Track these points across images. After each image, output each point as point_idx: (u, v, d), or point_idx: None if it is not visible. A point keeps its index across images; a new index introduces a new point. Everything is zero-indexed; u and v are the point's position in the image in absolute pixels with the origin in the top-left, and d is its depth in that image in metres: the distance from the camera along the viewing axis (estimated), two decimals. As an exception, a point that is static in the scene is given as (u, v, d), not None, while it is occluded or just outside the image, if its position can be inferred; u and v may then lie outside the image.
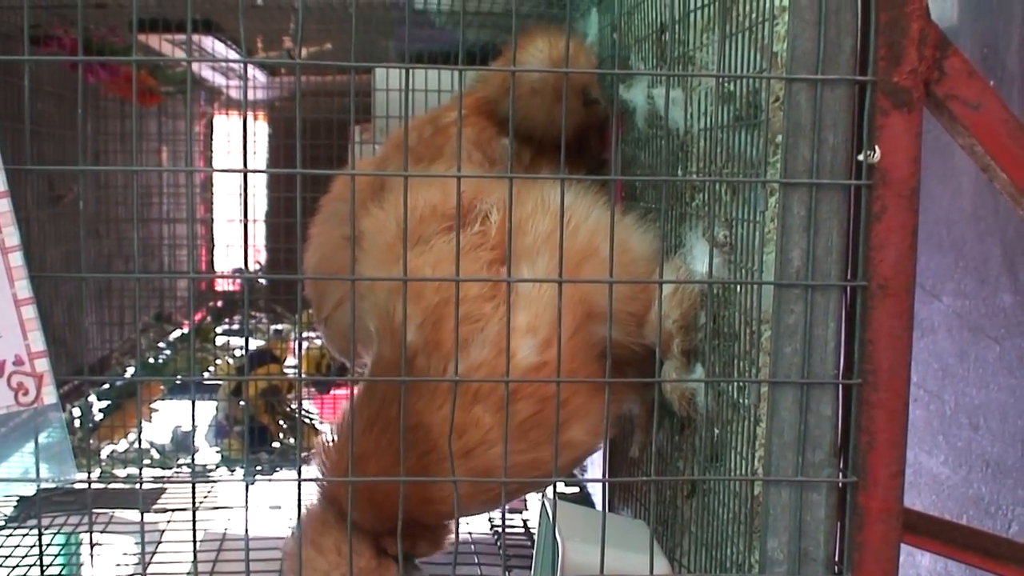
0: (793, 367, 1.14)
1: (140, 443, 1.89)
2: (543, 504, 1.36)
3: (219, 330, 3.78)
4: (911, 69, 1.12)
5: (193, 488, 1.17)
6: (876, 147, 1.12)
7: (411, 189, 1.53)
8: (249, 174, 1.39)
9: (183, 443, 2.31)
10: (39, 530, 1.33)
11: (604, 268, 1.31)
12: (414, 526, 1.37)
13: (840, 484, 1.16)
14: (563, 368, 1.29)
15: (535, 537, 1.39)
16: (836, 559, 1.18)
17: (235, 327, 3.94)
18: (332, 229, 1.75)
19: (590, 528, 1.24)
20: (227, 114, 4.24)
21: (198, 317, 4.29)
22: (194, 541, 1.18)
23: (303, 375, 2.74)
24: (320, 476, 1.43)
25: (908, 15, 1.11)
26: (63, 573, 1.91)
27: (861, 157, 1.12)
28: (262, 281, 4.55)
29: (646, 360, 1.42)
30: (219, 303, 4.55)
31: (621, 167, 1.80)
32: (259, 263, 4.67)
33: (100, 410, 2.51)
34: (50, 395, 1.07)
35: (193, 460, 2.15)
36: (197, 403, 2.57)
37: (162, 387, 2.56)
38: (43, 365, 1.07)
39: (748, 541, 1.24)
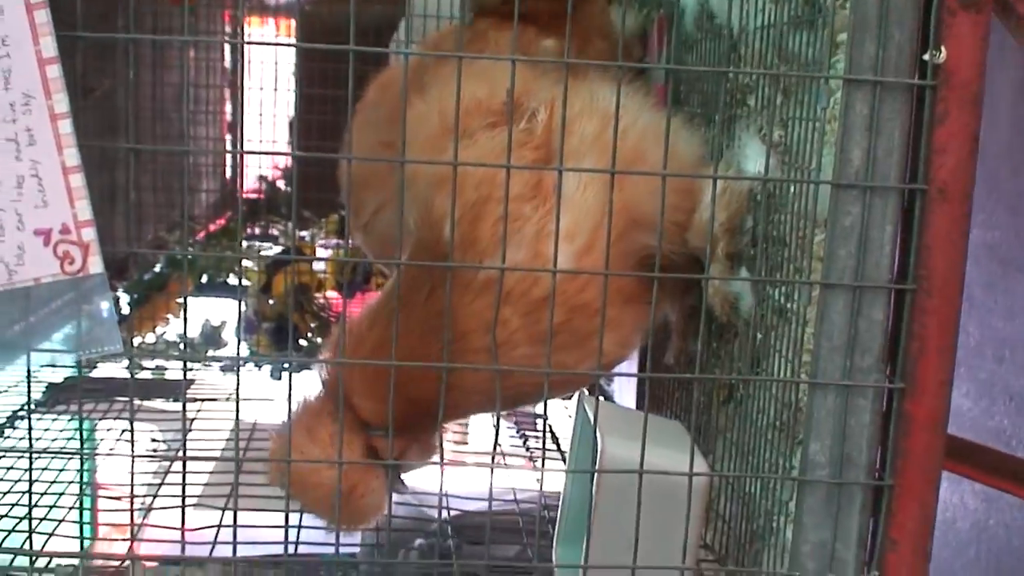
0: (847, 270, 1.13)
1: (184, 335, 1.89)
2: (580, 402, 1.35)
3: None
4: (983, -32, 1.09)
5: (238, 376, 1.17)
6: (942, 47, 1.09)
7: (454, 86, 1.51)
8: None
9: (212, 337, 2.31)
10: (79, 414, 1.33)
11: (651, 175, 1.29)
12: (412, 426, 1.36)
13: (887, 390, 1.15)
14: (598, 279, 1.28)
15: (564, 436, 1.38)
16: (878, 465, 1.17)
17: (258, 232, 3.94)
18: (369, 136, 1.72)
19: (628, 426, 1.23)
20: (261, 20, 4.20)
21: (222, 221, 4.29)
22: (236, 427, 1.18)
23: (329, 276, 2.74)
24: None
25: (984, -90, 1.08)
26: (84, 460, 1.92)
27: (927, 56, 1.09)
28: (285, 187, 4.52)
29: (686, 268, 1.41)
30: (243, 208, 4.53)
31: (667, 71, 1.77)
32: (279, 168, 4.64)
33: (128, 303, 2.52)
34: (96, 264, 1.07)
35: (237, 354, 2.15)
36: (224, 301, 2.58)
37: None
38: (89, 234, 1.06)
39: (789, 447, 1.23)
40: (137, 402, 1.76)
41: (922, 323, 1.13)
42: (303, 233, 3.40)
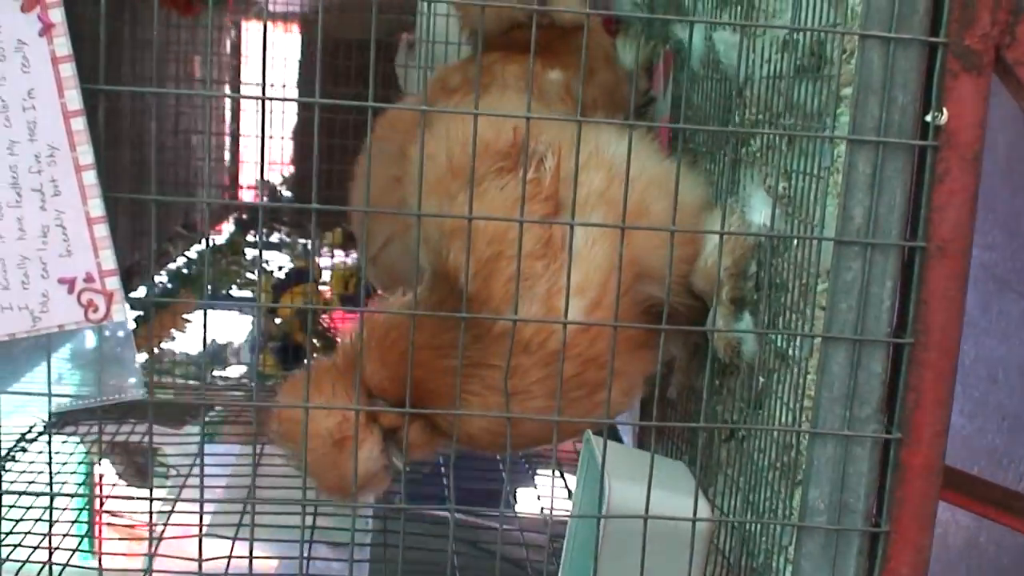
0: (848, 323, 1.16)
1: (203, 362, 1.92)
2: (587, 442, 1.39)
3: (248, 239, 3.79)
4: (983, 33, 1.12)
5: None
6: (944, 109, 1.12)
7: (461, 123, 1.54)
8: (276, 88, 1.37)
9: (217, 356, 2.34)
10: (100, 436, 1.35)
11: (659, 225, 1.33)
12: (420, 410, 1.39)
13: (884, 440, 1.18)
14: (608, 331, 1.31)
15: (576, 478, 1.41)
16: (875, 512, 1.20)
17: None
18: (380, 169, 1.75)
19: (634, 468, 1.26)
20: (270, 24, 4.22)
21: (220, 228, 4.30)
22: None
23: (333, 294, 2.77)
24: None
25: (986, -23, 1.11)
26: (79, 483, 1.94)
27: (929, 118, 1.12)
28: (287, 193, 4.54)
29: (690, 313, 1.45)
30: (243, 215, 4.55)
31: (671, 108, 1.80)
32: (283, 176, 4.66)
33: (134, 319, 2.54)
34: (119, 313, 1.10)
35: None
36: (231, 318, 2.60)
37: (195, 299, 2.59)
38: (113, 283, 1.09)
39: (787, 488, 1.27)
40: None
41: (919, 376, 1.16)
42: (304, 241, 3.42)
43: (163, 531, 1.56)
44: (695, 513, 1.21)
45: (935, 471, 1.18)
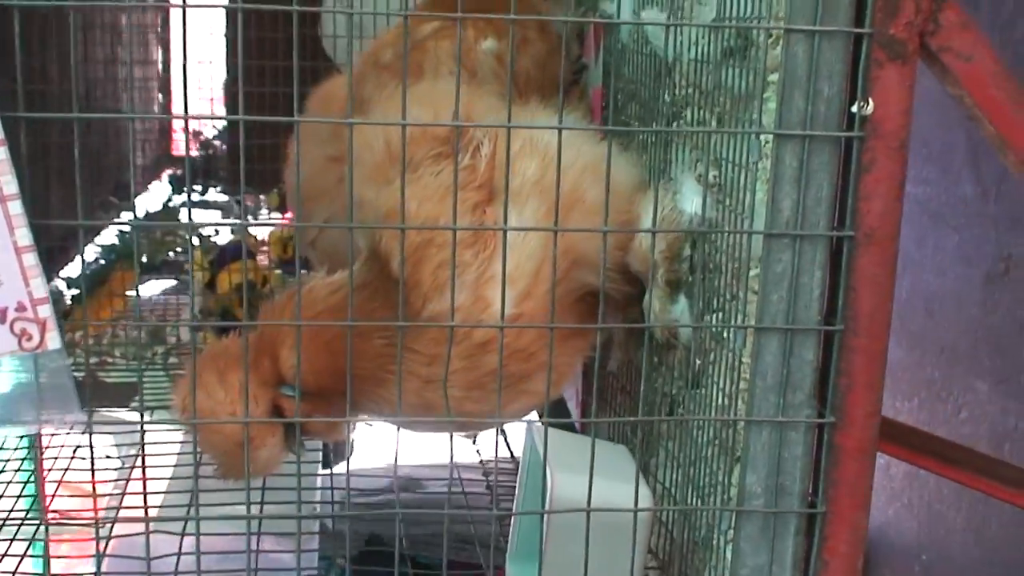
0: (779, 313, 1.18)
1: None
2: (529, 429, 1.40)
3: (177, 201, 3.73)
4: (907, 21, 1.13)
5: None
6: (869, 99, 1.13)
7: (399, 106, 1.52)
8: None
9: (156, 333, 2.32)
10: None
11: (591, 214, 1.33)
12: (327, 396, 1.40)
13: (818, 424, 1.21)
14: (539, 319, 1.33)
15: (520, 463, 1.43)
16: (811, 493, 1.23)
17: (196, 199, 3.90)
18: (313, 149, 1.73)
19: (577, 456, 1.28)
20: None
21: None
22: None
23: (271, 260, 2.75)
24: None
25: (907, -33, 1.11)
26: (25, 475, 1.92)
27: (855, 109, 1.13)
28: (222, 146, 4.47)
29: (625, 295, 1.46)
30: (178, 170, 4.48)
31: (602, 77, 1.80)
32: (216, 128, 4.59)
33: (72, 298, 2.51)
34: (54, 340, 1.09)
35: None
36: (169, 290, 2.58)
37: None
38: (46, 311, 1.08)
39: (726, 465, 1.29)
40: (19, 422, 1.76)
41: (850, 360, 1.19)
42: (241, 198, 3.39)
43: (111, 529, 1.55)
44: (636, 503, 1.23)
45: (868, 452, 1.21)
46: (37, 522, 1.60)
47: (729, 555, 1.27)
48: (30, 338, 1.09)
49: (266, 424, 1.39)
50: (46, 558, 1.77)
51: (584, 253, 1.37)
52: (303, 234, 1.78)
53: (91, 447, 1.18)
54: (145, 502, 1.21)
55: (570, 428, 1.82)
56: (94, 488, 1.26)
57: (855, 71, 1.14)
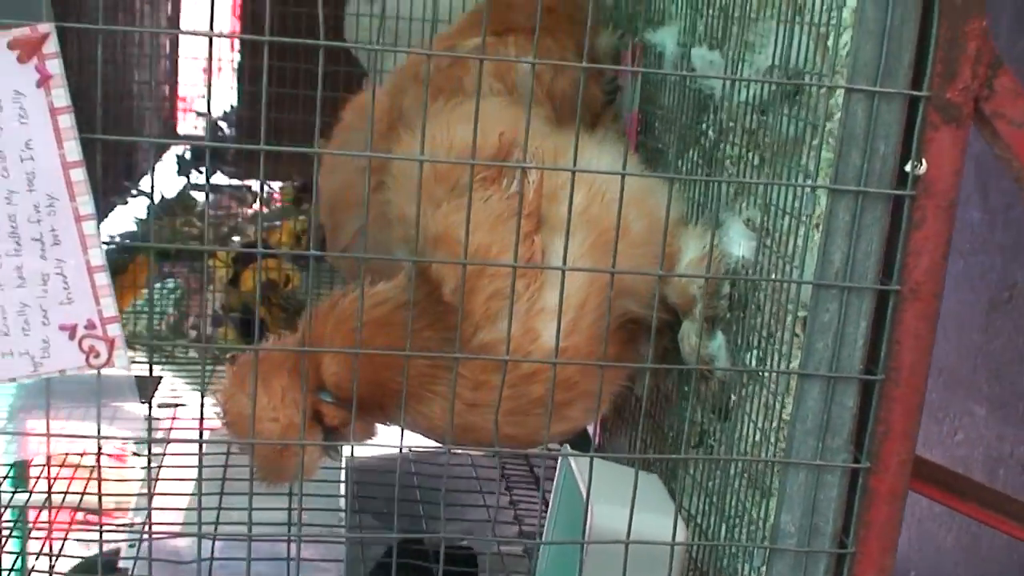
0: (823, 361, 1.21)
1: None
2: (564, 461, 1.44)
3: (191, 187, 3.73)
4: (964, 87, 1.16)
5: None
6: (923, 159, 1.16)
7: (445, 127, 1.55)
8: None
9: (176, 328, 2.34)
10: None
11: (636, 246, 1.36)
12: (364, 406, 1.43)
13: (853, 468, 1.25)
14: (586, 347, 1.36)
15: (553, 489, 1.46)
16: (842, 534, 1.27)
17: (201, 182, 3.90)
18: (346, 160, 1.76)
19: (613, 486, 1.31)
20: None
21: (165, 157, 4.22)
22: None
23: (283, 251, 2.76)
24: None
25: (967, 33, 1.15)
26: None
27: (908, 168, 1.16)
28: (227, 130, 4.46)
29: (661, 321, 1.49)
30: (186, 152, 4.47)
31: (639, 102, 1.83)
32: (225, 110, 4.57)
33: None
34: (121, 359, 1.11)
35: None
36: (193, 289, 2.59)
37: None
38: (115, 329, 1.11)
39: (755, 497, 1.33)
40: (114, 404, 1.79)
41: (889, 409, 1.22)
42: (250, 183, 3.39)
43: (142, 530, 1.58)
44: (674, 536, 1.26)
45: (900, 497, 1.25)
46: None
47: (756, 585, 1.30)
48: (98, 355, 1.11)
49: (306, 431, 1.42)
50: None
51: (628, 285, 1.40)
52: (333, 242, 1.81)
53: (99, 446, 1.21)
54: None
55: (587, 447, 1.85)
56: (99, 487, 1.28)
57: (910, 131, 1.17)
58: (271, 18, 1.22)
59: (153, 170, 3.30)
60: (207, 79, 1.23)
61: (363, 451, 1.66)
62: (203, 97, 4.73)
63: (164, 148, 4.50)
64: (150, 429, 1.28)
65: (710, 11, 1.56)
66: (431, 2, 2.34)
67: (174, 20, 4.90)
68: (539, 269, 1.41)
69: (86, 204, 1.08)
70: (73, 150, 1.07)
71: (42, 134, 1.06)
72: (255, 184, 3.74)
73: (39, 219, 1.08)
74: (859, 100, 1.16)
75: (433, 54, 1.68)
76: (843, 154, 1.16)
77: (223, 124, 4.60)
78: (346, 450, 1.92)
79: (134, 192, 3.18)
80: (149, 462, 1.37)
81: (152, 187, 1.42)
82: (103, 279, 1.09)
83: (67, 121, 1.06)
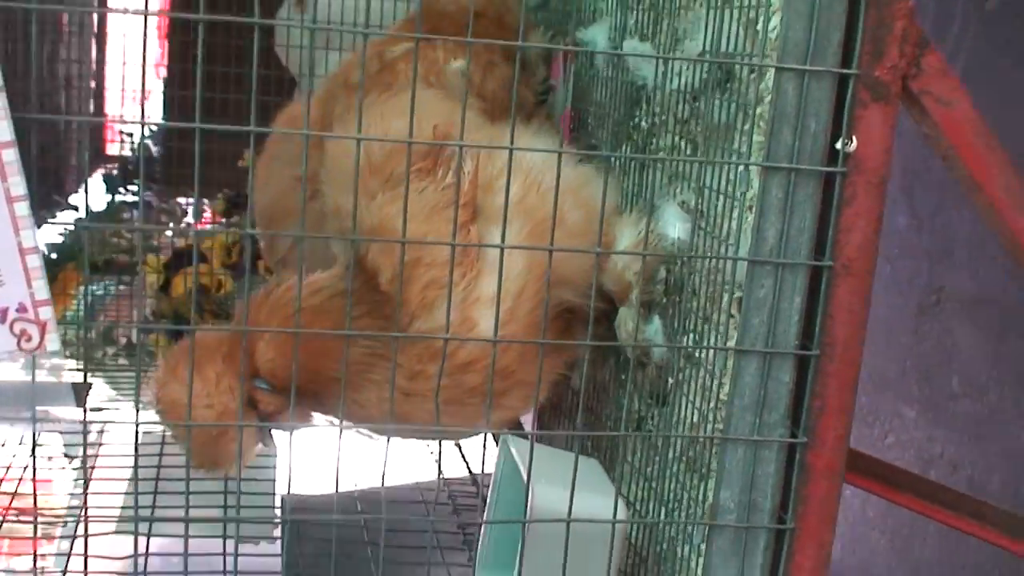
0: (759, 336, 1.23)
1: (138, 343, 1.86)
2: (504, 442, 1.44)
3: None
4: (892, 65, 1.19)
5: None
6: (853, 137, 1.19)
7: (379, 118, 1.55)
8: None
9: (106, 335, 2.30)
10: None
11: (571, 236, 1.37)
12: (299, 393, 1.41)
13: (790, 443, 1.26)
14: (522, 336, 1.37)
15: (488, 474, 1.46)
16: (781, 510, 1.28)
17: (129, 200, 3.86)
18: (281, 169, 1.75)
19: (553, 469, 1.32)
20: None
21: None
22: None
23: (218, 266, 2.74)
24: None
25: (894, 13, 1.18)
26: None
27: (839, 145, 1.19)
28: (154, 149, 4.42)
29: (598, 311, 1.50)
30: (113, 168, 4.41)
31: (571, 100, 1.84)
32: (150, 129, 4.53)
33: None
34: (53, 342, 1.09)
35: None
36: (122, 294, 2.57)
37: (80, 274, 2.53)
38: (46, 313, 1.09)
39: (693, 480, 1.34)
40: (40, 409, 1.76)
41: (824, 384, 1.24)
42: (183, 200, 3.37)
43: (75, 528, 1.55)
44: (615, 515, 1.27)
45: (837, 472, 1.27)
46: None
47: (699, 568, 1.31)
48: (29, 339, 1.09)
49: (242, 415, 1.40)
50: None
51: (563, 274, 1.41)
52: (271, 253, 1.80)
53: (33, 448, 1.19)
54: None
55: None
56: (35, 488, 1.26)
57: (840, 110, 1.19)
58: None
59: (85, 183, 3.26)
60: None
61: (301, 487, 1.61)
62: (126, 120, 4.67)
63: (91, 168, 4.44)
64: (85, 426, 1.26)
65: (640, 6, 1.58)
66: (363, 9, 2.34)
67: (100, 41, 4.85)
68: (475, 260, 1.41)
69: (18, 185, 1.06)
70: (4, 130, 1.05)
71: (-29, 113, 1.04)
72: (184, 200, 3.71)
73: (-31, 199, 1.06)
74: (789, 79, 1.18)
75: (371, 32, 1.68)
76: (775, 133, 1.18)
77: (149, 143, 4.56)
78: (281, 486, 1.91)
79: (63, 205, 3.13)
80: (84, 460, 1.34)
81: (86, 198, 1.40)
82: (35, 261, 1.08)
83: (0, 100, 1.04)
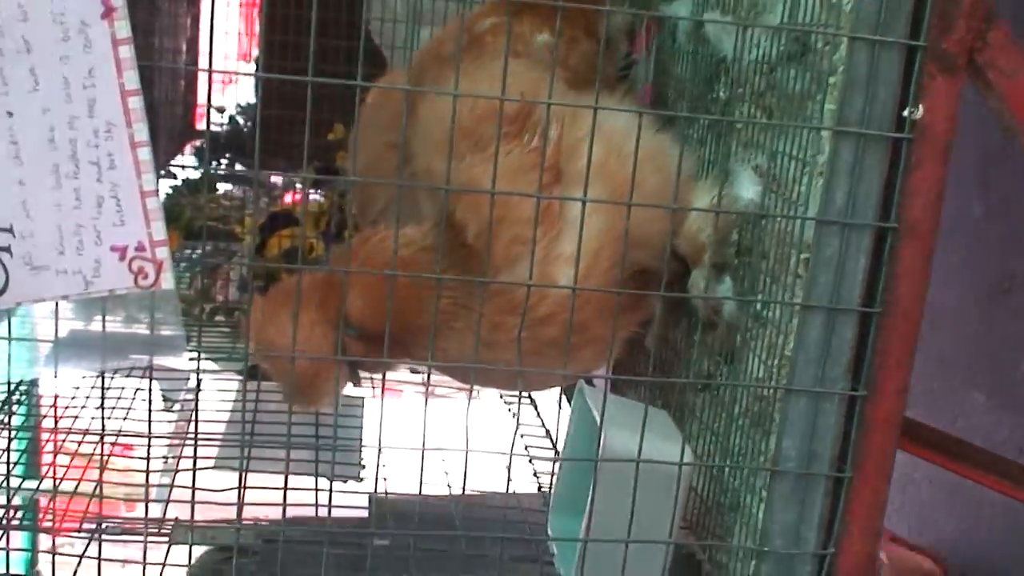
0: (825, 294, 1.30)
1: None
2: (579, 392, 1.52)
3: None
4: (959, 38, 1.25)
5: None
6: (920, 105, 1.25)
7: (470, 84, 1.63)
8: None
9: (206, 292, 2.42)
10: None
11: (649, 198, 1.44)
12: (384, 339, 1.50)
13: (850, 396, 1.33)
14: (598, 296, 1.44)
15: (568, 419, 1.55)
16: (839, 460, 1.35)
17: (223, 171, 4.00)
18: (374, 136, 1.84)
19: (625, 417, 1.40)
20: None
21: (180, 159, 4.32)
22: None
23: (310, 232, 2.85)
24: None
25: (963, -13, 1.24)
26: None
27: (906, 113, 1.25)
28: (246, 124, 4.55)
29: (672, 272, 1.57)
30: (201, 143, 4.55)
31: (653, 76, 1.91)
32: (240, 105, 4.66)
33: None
34: (168, 281, 1.20)
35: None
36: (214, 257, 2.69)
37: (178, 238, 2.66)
38: (163, 253, 1.19)
39: (759, 435, 1.41)
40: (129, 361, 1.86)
41: (886, 340, 1.31)
42: (273, 177, 3.48)
43: (177, 463, 1.66)
44: (681, 458, 1.35)
45: (895, 425, 1.33)
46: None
47: (760, 513, 1.38)
48: (146, 276, 1.20)
49: (332, 359, 1.50)
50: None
51: (640, 236, 1.48)
52: (363, 215, 1.89)
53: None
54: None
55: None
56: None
57: (908, 79, 1.26)
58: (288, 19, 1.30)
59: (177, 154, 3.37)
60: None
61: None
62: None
63: (182, 142, 4.58)
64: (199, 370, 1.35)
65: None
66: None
67: (195, 16, 4.98)
68: (556, 219, 1.49)
69: (141, 131, 1.16)
70: (132, 79, 1.15)
71: (104, 63, 1.14)
72: (275, 177, 3.83)
73: (97, 144, 1.16)
74: (861, 49, 1.24)
75: None
76: (846, 100, 1.25)
77: (240, 119, 4.68)
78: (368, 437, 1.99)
79: (161, 173, 3.28)
80: (196, 401, 1.44)
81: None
82: (154, 203, 1.18)
83: (127, 52, 1.14)
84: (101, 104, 1.16)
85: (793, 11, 1.38)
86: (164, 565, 1.48)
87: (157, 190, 1.19)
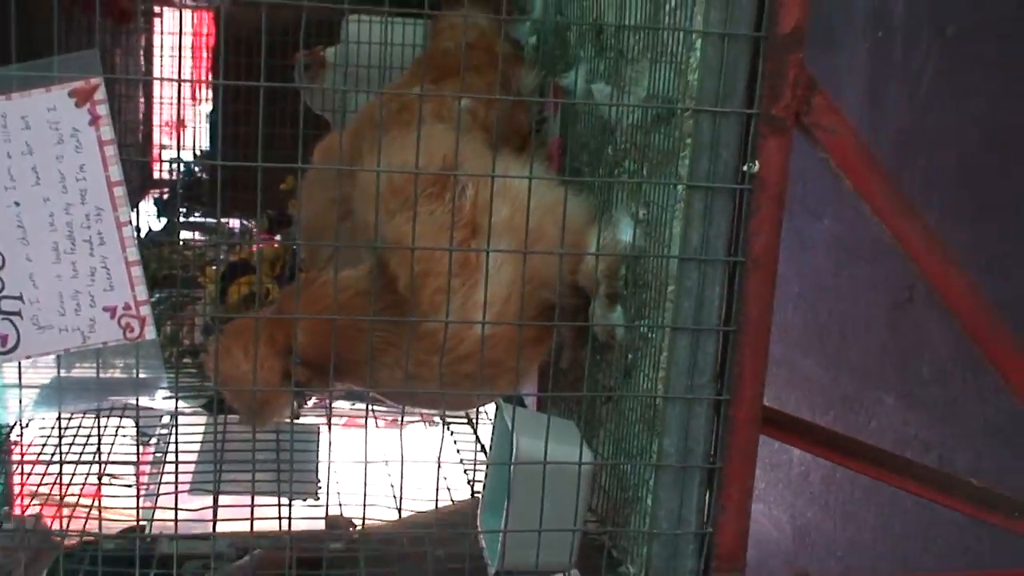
0: (688, 317, 1.58)
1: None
2: (499, 408, 1.79)
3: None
4: (786, 104, 1.54)
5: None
6: (756, 161, 1.54)
7: (399, 151, 1.91)
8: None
9: (174, 338, 2.68)
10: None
11: (550, 246, 1.72)
12: (324, 369, 1.74)
13: (716, 400, 1.61)
14: (510, 333, 1.72)
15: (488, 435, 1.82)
16: (712, 453, 1.64)
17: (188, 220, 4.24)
18: (320, 192, 2.10)
19: (535, 426, 1.67)
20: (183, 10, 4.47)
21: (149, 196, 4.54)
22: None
23: (265, 277, 3.11)
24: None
25: (787, 64, 1.53)
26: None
27: (745, 168, 1.54)
28: (202, 174, 4.79)
29: (575, 307, 1.86)
30: (163, 193, 4.76)
31: (559, 130, 2.20)
32: (195, 153, 4.88)
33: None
34: (150, 332, 1.47)
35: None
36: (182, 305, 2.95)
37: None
38: (146, 310, 1.46)
39: (648, 437, 1.69)
40: (120, 399, 2.12)
41: (741, 352, 1.59)
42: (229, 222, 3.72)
43: (158, 488, 1.93)
44: (580, 459, 1.63)
45: (755, 422, 1.62)
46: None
47: (650, 502, 1.66)
48: (133, 330, 1.47)
49: (281, 384, 1.78)
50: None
51: (545, 277, 1.75)
52: (312, 262, 2.16)
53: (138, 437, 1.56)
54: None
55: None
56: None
57: (746, 140, 1.55)
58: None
59: (137, 207, 3.62)
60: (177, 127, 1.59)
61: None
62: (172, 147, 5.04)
63: (142, 192, 4.80)
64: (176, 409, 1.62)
65: (607, 54, 1.94)
66: (386, 53, 2.70)
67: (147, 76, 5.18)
68: (473, 271, 1.75)
69: (125, 214, 1.44)
70: (116, 172, 1.43)
71: (93, 160, 1.42)
72: (231, 221, 4.07)
73: (89, 225, 1.43)
74: (706, 117, 1.54)
75: (387, 92, 2.05)
76: (696, 158, 1.54)
77: (196, 168, 4.90)
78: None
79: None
80: (176, 435, 1.69)
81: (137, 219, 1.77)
82: (137, 271, 1.45)
83: (111, 150, 1.42)
84: (91, 193, 1.43)
85: (656, 84, 1.68)
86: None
87: (139, 259, 1.46)
